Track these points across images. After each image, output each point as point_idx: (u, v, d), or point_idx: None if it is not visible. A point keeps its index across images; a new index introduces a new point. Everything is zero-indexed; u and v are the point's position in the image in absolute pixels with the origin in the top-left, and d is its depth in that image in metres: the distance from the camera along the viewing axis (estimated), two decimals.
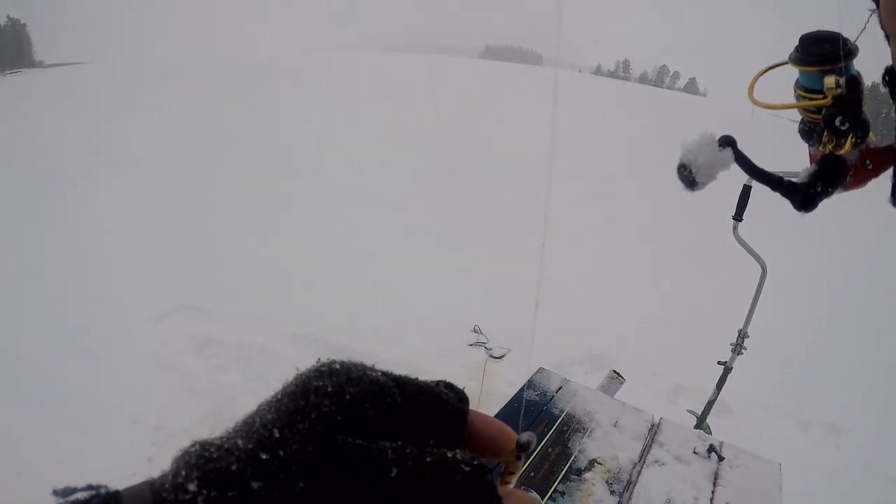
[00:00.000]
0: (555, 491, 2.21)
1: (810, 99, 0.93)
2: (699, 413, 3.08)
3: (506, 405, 2.70)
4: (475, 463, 0.26)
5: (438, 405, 0.32)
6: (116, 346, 3.69)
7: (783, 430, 3.75)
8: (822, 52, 0.91)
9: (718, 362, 2.95)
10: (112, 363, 3.50)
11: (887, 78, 0.48)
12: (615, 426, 2.63)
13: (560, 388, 2.90)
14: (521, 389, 2.82)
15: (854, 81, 0.86)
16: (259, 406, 0.30)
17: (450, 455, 0.27)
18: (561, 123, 15.53)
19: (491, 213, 7.18)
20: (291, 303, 4.26)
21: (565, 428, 2.62)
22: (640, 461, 2.42)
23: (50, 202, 6.43)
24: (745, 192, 2.97)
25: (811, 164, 0.88)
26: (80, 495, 0.25)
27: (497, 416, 2.63)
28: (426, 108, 15.87)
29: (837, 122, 0.80)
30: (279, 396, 0.29)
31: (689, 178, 1.12)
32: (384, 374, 0.32)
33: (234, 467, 0.24)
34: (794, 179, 0.82)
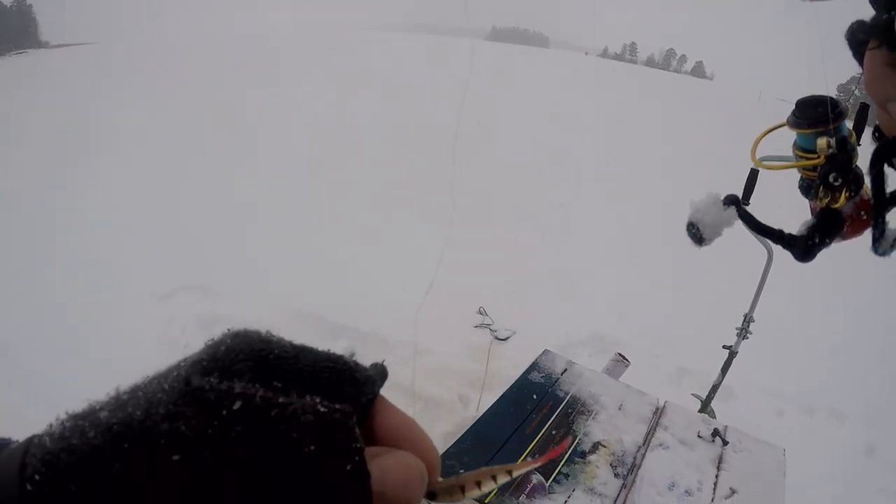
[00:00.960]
0: (559, 473, 2.22)
1: (807, 158, 1.02)
2: (703, 397, 3.08)
3: (511, 388, 2.71)
4: (336, 406, 0.25)
5: (341, 371, 0.31)
6: (119, 327, 3.68)
7: (787, 415, 3.75)
8: (815, 116, 1.00)
9: (724, 346, 2.94)
10: (115, 344, 3.49)
11: (876, 134, 0.49)
12: (620, 409, 2.63)
13: (565, 370, 2.89)
14: (526, 371, 2.81)
15: (844, 141, 0.92)
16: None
17: (311, 398, 0.26)
18: (570, 106, 15.38)
19: (497, 195, 7.14)
20: (296, 283, 4.24)
21: (570, 410, 2.62)
22: (644, 444, 2.42)
23: (42, 183, 6.40)
24: (753, 176, 2.92)
25: (812, 216, 0.93)
26: None
27: (502, 397, 2.63)
28: (424, 91, 15.74)
29: (831, 179, 0.86)
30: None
31: (696, 235, 1.25)
32: (282, 338, 0.31)
33: (98, 407, 0.25)
34: (794, 232, 0.87)
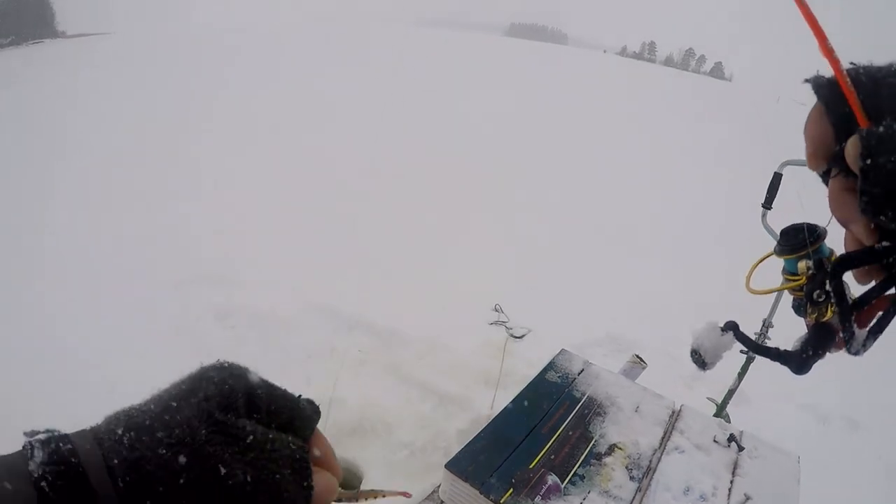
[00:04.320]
0: (574, 475, 2.23)
1: (793, 280, 1.19)
2: (719, 401, 3.07)
3: (527, 387, 2.71)
4: (300, 443, 0.40)
5: (294, 411, 0.43)
6: (135, 313, 3.71)
7: (801, 422, 3.74)
8: (795, 242, 1.18)
9: (741, 351, 2.93)
10: (130, 330, 3.52)
11: (838, 268, 0.54)
12: (636, 411, 2.63)
13: (582, 370, 2.90)
14: (543, 370, 2.82)
15: (820, 262, 1.05)
16: (170, 384, 0.41)
17: (285, 435, 0.39)
18: (588, 104, 15.30)
19: (514, 192, 7.14)
20: (313, 275, 4.26)
21: (586, 411, 2.63)
22: (660, 448, 2.43)
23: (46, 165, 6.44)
24: (776, 180, 2.92)
25: (806, 331, 1.01)
26: (41, 436, 0.34)
27: (519, 396, 2.64)
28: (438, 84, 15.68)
29: (815, 296, 0.95)
30: (183, 379, 0.41)
31: (699, 360, 1.39)
32: (260, 378, 0.42)
33: (146, 422, 0.36)
34: (789, 349, 0.95)
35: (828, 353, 0.98)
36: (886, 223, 0.42)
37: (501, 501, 2.12)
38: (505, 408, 2.55)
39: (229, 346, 3.43)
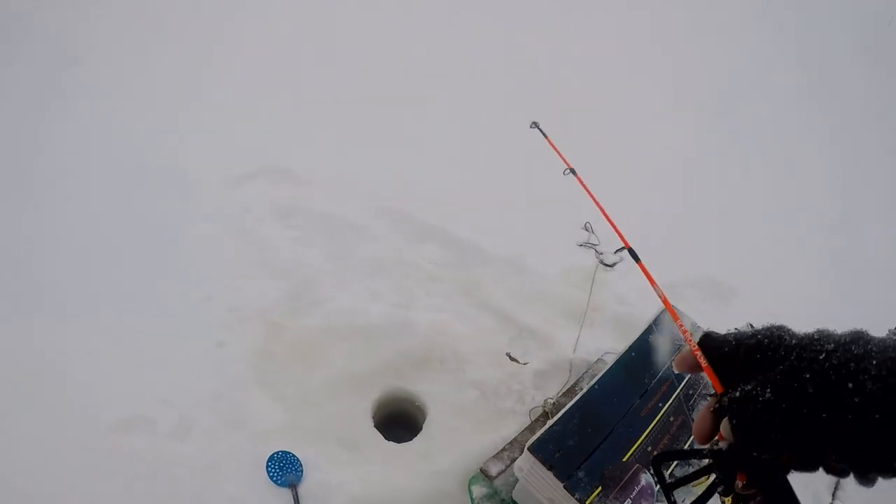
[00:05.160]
0: (670, 475, 1.96)
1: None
2: None
3: (627, 351, 2.36)
4: None
5: None
6: (190, 213, 3.35)
7: None
8: None
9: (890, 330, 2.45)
10: (185, 232, 3.22)
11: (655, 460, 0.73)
12: None
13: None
14: (646, 331, 2.45)
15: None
16: None
17: None
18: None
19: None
20: (387, 178, 3.72)
21: (690, 392, 2.30)
22: None
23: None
24: None
25: None
26: None
27: (617, 363, 2.30)
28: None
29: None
30: None
31: None
32: None
33: None
34: None
35: None
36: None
37: (588, 502, 1.89)
38: (600, 378, 2.24)
39: (292, 252, 3.12)
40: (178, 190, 3.46)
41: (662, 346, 2.43)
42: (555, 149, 2.10)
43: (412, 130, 4.45)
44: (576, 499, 1.89)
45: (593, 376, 2.71)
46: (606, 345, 2.86)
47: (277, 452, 2.24)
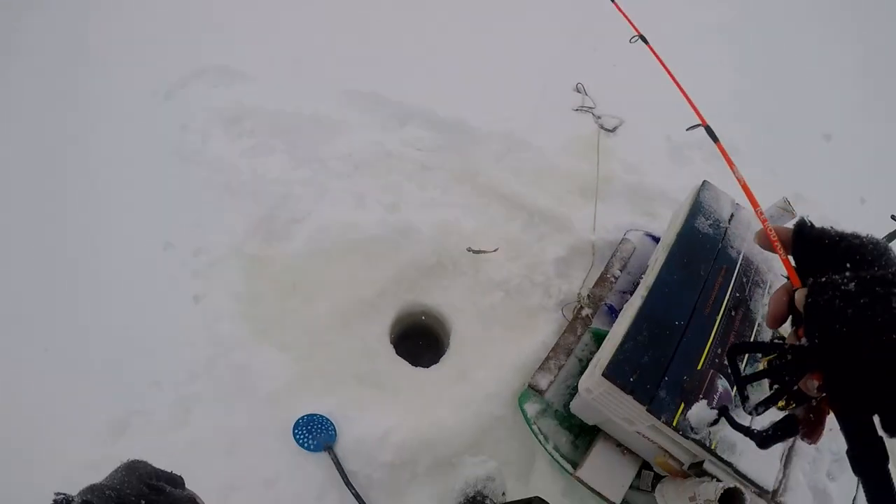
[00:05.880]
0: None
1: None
2: None
3: (676, 239, 2.09)
4: (190, 493, 0.86)
5: (177, 480, 0.87)
6: (119, 143, 2.57)
7: None
8: None
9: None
10: (117, 170, 2.47)
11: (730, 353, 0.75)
12: None
13: (732, 215, 2.29)
14: (690, 215, 2.19)
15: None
16: (112, 473, 0.80)
17: (181, 490, 0.84)
18: None
19: None
20: (349, 62, 2.94)
21: (745, 278, 2.12)
22: None
23: None
24: None
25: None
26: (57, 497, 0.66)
27: (670, 256, 2.06)
28: None
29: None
30: (119, 468, 0.80)
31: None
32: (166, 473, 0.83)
33: (116, 488, 0.74)
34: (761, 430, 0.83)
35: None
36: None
37: (674, 423, 1.73)
38: (658, 277, 1.99)
39: (252, 165, 2.48)
40: (96, 112, 2.62)
41: (710, 230, 2.20)
42: (623, 14, 1.66)
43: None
44: (662, 421, 1.72)
45: (623, 260, 2.48)
46: (625, 220, 2.61)
47: (302, 417, 1.89)
